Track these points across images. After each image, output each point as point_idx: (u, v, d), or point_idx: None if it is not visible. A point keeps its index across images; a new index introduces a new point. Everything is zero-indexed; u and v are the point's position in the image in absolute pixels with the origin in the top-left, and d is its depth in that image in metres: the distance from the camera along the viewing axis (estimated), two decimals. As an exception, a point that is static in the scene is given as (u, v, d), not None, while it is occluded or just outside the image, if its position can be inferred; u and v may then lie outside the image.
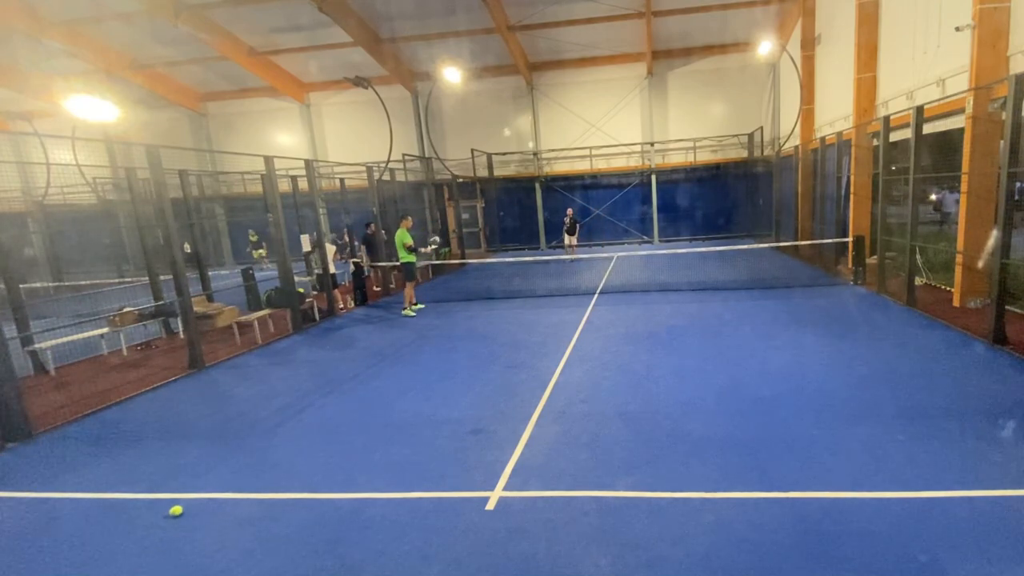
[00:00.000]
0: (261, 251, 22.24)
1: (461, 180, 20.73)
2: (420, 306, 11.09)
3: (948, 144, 10.05)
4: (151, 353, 8.94)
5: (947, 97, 8.61)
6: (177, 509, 3.93)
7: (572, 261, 17.25)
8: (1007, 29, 7.60)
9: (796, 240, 16.08)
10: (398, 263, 11.03)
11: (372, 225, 13.55)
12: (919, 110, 8.24)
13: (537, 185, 22.19)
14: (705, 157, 21.55)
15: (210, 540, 3.57)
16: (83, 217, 20.34)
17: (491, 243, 22.97)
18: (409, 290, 10.81)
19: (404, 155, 18.96)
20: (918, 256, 9.20)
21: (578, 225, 17.66)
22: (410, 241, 10.54)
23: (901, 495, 3.54)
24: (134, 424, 5.81)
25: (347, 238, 14.36)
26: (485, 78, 21.12)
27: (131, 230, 14.01)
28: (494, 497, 3.84)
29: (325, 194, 17.77)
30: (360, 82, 14.97)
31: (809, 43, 16.21)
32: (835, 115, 14.30)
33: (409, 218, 10.87)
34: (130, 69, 19.89)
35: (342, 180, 15.68)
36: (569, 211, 17.77)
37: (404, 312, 10.63)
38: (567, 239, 17.57)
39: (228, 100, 23.18)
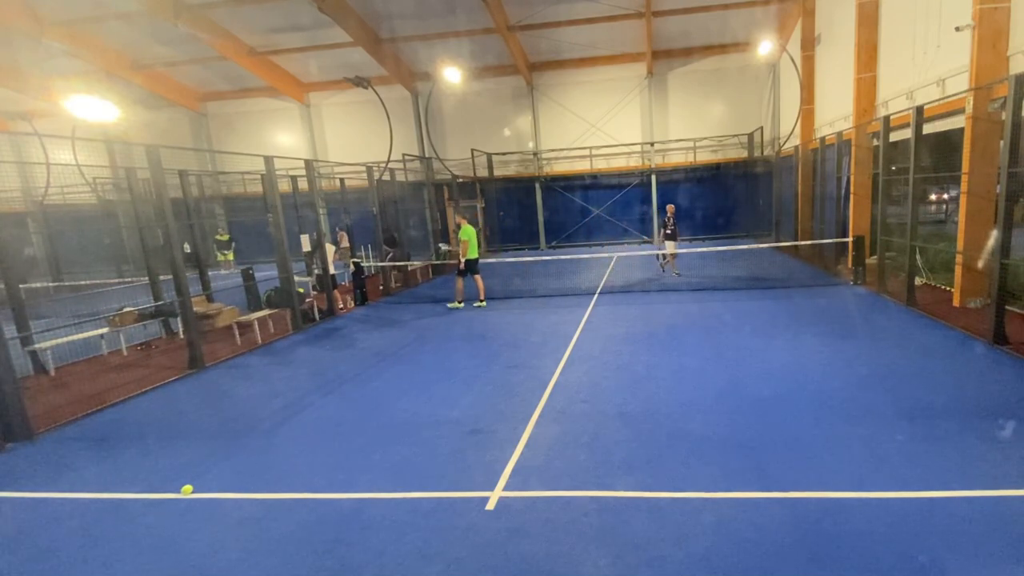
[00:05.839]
0: (228, 254, 20.43)
1: (461, 180, 20.74)
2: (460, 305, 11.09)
3: (948, 144, 10.05)
4: (151, 353, 8.93)
5: (947, 97, 8.61)
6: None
7: (674, 273, 13.29)
8: (1007, 29, 7.60)
9: (796, 240, 16.08)
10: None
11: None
12: (919, 110, 8.24)
13: (537, 185, 22.20)
14: (705, 157, 21.56)
15: (210, 540, 3.57)
16: (83, 217, 20.31)
17: (491, 243, 22.96)
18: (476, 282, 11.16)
19: (404, 155, 18.96)
20: (918, 256, 9.20)
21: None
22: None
23: (901, 495, 3.54)
24: (134, 424, 5.81)
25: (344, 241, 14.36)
26: (485, 78, 21.12)
27: (131, 230, 14.03)
28: (494, 497, 3.83)
29: (325, 194, 17.78)
30: (360, 82, 14.98)
31: (809, 43, 16.21)
32: (835, 115, 14.30)
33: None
34: (130, 69, 19.89)
35: (342, 180, 15.69)
36: (670, 208, 13.22)
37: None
38: (668, 246, 13.13)
39: (228, 100, 23.18)
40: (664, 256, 13.56)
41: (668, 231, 13.05)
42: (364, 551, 3.34)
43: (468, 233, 10.85)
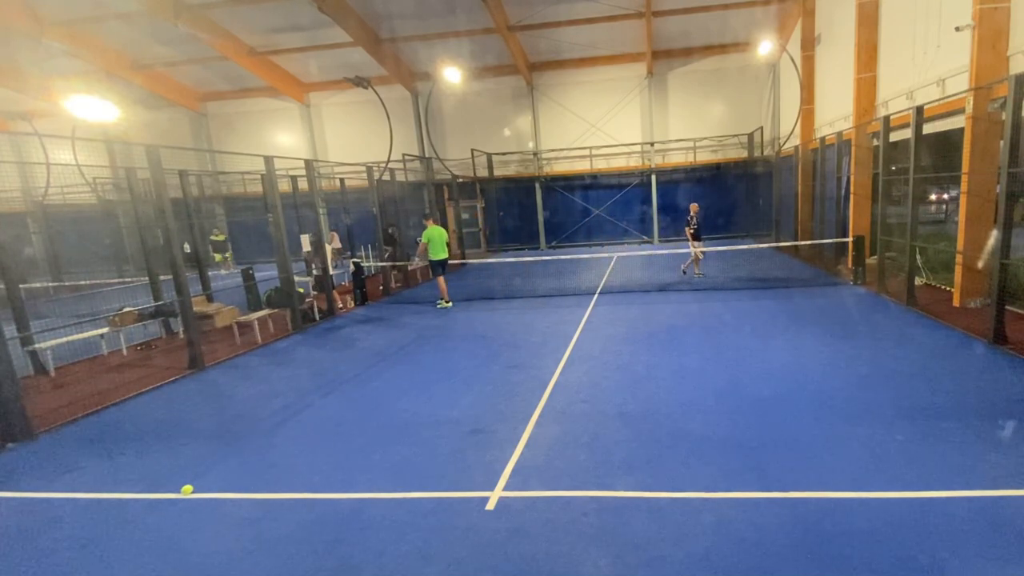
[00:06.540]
0: (226, 255, 20.27)
1: (461, 180, 20.73)
2: (449, 304, 11.31)
3: (948, 144, 10.05)
4: (151, 353, 8.93)
5: (947, 97, 8.60)
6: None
7: (697, 274, 12.90)
8: (1007, 29, 7.60)
9: (796, 240, 16.08)
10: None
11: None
12: (919, 110, 8.24)
13: (537, 185, 22.20)
14: (705, 157, 21.56)
15: (210, 540, 3.57)
16: (83, 217, 20.32)
17: (491, 243, 22.97)
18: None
19: (404, 155, 18.96)
20: (918, 256, 9.20)
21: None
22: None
23: (901, 495, 3.54)
24: (134, 424, 5.81)
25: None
26: (485, 78, 21.12)
27: (131, 230, 14.03)
28: (494, 497, 3.83)
29: (325, 194, 17.76)
30: (360, 82, 14.98)
31: (809, 43, 16.21)
32: (835, 115, 14.30)
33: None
34: (130, 69, 19.89)
35: (342, 180, 15.70)
36: (693, 207, 12.66)
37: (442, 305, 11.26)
38: (697, 245, 12.66)
39: (228, 100, 23.18)
40: (696, 259, 12.91)
41: (693, 230, 12.53)
42: (364, 551, 3.34)
43: (428, 235, 11.15)
